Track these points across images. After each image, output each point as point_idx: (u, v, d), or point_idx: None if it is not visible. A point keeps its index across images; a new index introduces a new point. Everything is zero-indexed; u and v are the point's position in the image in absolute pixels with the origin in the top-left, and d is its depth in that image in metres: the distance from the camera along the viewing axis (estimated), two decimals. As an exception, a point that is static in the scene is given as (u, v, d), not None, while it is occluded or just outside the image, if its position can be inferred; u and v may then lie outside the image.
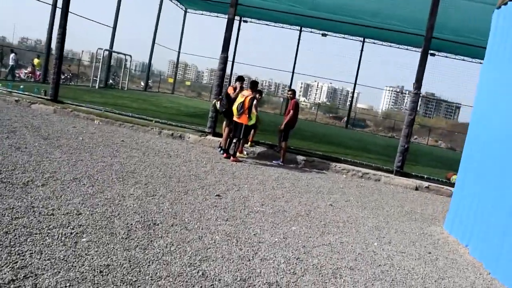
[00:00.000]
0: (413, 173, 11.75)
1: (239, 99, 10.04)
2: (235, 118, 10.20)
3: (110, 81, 32.08)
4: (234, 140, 10.41)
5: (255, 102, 10.39)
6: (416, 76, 11.47)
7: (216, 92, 12.06)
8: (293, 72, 34.57)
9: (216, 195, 6.65)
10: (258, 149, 11.73)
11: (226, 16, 33.69)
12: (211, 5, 30.01)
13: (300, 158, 11.47)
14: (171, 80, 40.68)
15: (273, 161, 11.08)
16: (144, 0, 38.50)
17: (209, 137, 12.09)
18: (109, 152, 8.40)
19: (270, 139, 13.29)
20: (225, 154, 10.45)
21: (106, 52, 25.84)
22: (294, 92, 11.30)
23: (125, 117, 12.87)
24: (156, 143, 10.66)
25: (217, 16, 35.55)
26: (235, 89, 10.67)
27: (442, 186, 11.29)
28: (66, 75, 28.93)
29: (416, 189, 11.17)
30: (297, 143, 14.13)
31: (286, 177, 9.41)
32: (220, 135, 11.49)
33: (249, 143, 11.73)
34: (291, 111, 11.03)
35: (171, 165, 8.34)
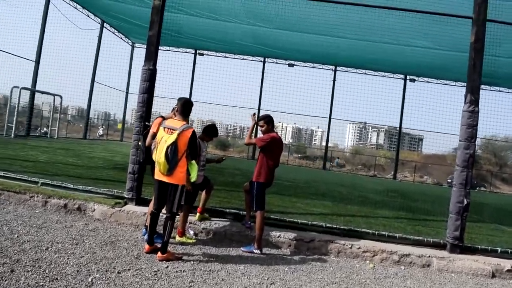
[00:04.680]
0: (477, 246, 6.98)
1: (167, 138, 5.10)
2: (159, 177, 5.26)
3: (45, 129, 26.70)
4: (166, 215, 5.37)
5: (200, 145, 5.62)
6: (468, 84, 6.97)
7: (137, 129, 7.11)
8: (259, 109, 30.12)
9: None
10: (214, 224, 6.74)
11: (180, 50, 29.35)
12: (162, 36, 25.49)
13: (287, 236, 6.53)
14: (120, 126, 35.43)
15: (242, 248, 6.10)
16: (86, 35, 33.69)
17: (129, 207, 7.03)
18: None
19: (235, 200, 8.37)
20: (147, 246, 5.40)
21: (27, 93, 20.62)
22: (269, 119, 6.39)
23: (-8, 179, 7.71)
24: (19, 229, 5.56)
25: (169, 50, 31.10)
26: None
27: (530, 267, 6.56)
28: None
29: (493, 276, 6.40)
30: (276, 201, 9.23)
31: (271, 299, 4.44)
32: (147, 203, 6.49)
33: (198, 215, 6.74)
34: (264, 156, 6.21)
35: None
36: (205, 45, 27.72)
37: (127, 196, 7.18)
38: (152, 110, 7.59)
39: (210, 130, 6.47)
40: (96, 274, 4.41)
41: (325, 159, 31.40)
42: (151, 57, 7.22)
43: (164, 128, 5.17)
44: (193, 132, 5.16)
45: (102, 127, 39.20)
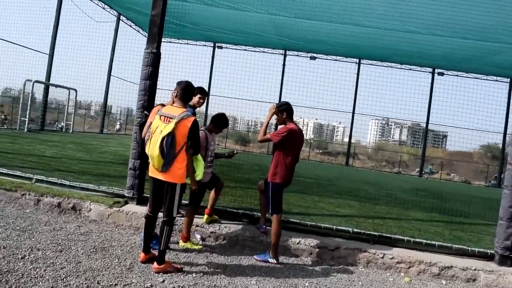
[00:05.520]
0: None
1: (162, 128, 4.27)
2: (154, 174, 4.44)
3: (62, 123, 26.25)
4: (162, 219, 4.51)
5: (203, 134, 4.85)
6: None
7: (138, 119, 6.31)
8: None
9: None
10: (224, 227, 5.89)
11: (198, 43, 28.54)
12: (179, 29, 24.71)
13: (308, 243, 5.63)
14: (138, 120, 34.85)
15: (256, 256, 5.24)
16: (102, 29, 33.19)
17: (129, 206, 6.26)
18: None
19: (251, 199, 7.52)
20: (142, 255, 4.59)
21: (37, 86, 20.16)
22: (287, 107, 5.40)
23: (-17, 175, 7.05)
24: (-6, 235, 4.83)
25: (187, 43, 30.47)
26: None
27: None
28: (-3, 118, 23.16)
29: (553, 294, 5.39)
30: (296, 200, 8.36)
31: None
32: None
33: (205, 216, 5.91)
34: (280, 152, 5.29)
35: None
36: (224, 37, 26.91)
37: (127, 195, 6.41)
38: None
39: (220, 120, 5.62)
40: (73, 294, 3.62)
41: (348, 154, 30.30)
42: (154, 39, 6.40)
43: (161, 116, 4.33)
44: (194, 121, 4.30)
45: (120, 121, 38.89)
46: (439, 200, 12.80)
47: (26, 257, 4.24)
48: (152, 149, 4.20)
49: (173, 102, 4.61)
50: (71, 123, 22.87)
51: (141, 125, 5.11)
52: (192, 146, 4.36)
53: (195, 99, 5.59)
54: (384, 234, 6.04)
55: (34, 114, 23.10)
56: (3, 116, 23.07)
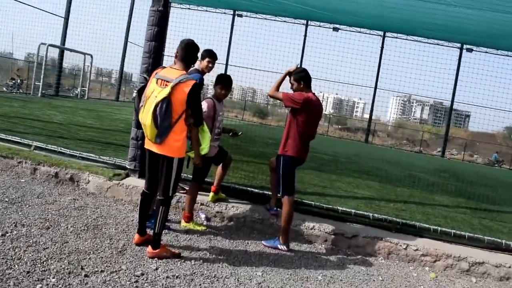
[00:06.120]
0: None
1: (157, 93, 3.69)
2: (149, 146, 3.93)
3: (78, 89, 25.92)
4: (158, 198, 3.99)
5: (206, 105, 4.38)
6: None
7: (141, 84, 5.75)
8: (299, 76, 28.25)
9: None
10: (231, 207, 5.37)
11: (218, 11, 27.64)
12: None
13: (323, 229, 5.08)
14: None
15: (264, 242, 4.72)
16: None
17: (130, 180, 5.78)
18: None
19: (263, 176, 7.01)
20: (137, 236, 4.11)
21: (55, 51, 19.72)
22: (304, 74, 4.70)
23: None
24: (-24, 207, 4.40)
25: (206, 11, 29.60)
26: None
27: None
28: (14, 81, 22.90)
29: None
30: (312, 179, 7.80)
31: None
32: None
33: (212, 194, 5.40)
34: (294, 121, 4.67)
35: None
36: (244, 4, 25.88)
37: (129, 167, 5.93)
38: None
39: (226, 78, 4.97)
40: (53, 278, 3.16)
41: (368, 131, 29.45)
42: (161, -4, 5.77)
43: (158, 79, 3.76)
44: (194, 85, 3.71)
45: (136, 89, 38.53)
46: (464, 183, 12.10)
47: (7, 234, 3.79)
48: (145, 117, 3.66)
49: (174, 63, 4.03)
50: (86, 89, 22.51)
51: (140, 90, 4.56)
52: (193, 115, 3.80)
53: (204, 63, 5.02)
54: (408, 222, 5.45)
55: (52, 79, 22.81)
56: (19, 80, 22.82)
